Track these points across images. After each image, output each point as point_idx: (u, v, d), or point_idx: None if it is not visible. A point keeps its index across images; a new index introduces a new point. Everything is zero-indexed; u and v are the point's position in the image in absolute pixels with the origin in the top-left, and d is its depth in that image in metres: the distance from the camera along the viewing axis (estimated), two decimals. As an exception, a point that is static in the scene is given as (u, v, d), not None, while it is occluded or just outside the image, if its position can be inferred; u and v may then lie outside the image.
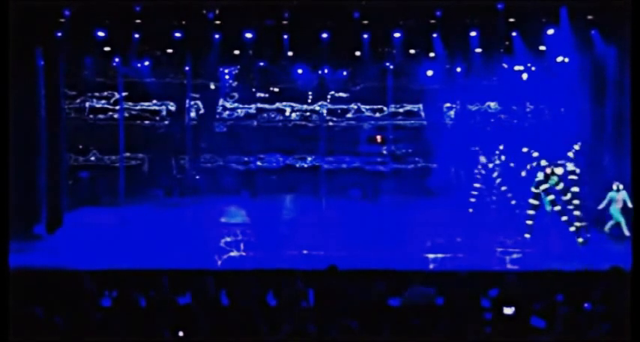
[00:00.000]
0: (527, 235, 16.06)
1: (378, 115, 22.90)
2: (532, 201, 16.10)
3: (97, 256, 14.00)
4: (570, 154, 16.22)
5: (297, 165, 23.12)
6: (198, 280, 9.35)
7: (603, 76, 16.60)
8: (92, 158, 22.23)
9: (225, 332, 7.50)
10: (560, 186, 15.87)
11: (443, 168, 20.98)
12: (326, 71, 21.44)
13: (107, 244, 15.39)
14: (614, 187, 16.35)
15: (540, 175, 15.96)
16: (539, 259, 14.34)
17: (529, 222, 16.14)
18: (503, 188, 18.43)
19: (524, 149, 16.78)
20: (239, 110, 22.89)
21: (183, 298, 9.19)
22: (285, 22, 17.09)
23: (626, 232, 15.98)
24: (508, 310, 7.94)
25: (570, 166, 16.16)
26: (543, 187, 15.89)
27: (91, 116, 22.08)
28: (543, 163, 15.99)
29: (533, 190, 16.07)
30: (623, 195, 16.25)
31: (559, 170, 15.95)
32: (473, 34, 17.61)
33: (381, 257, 14.08)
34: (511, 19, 16.65)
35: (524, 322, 7.90)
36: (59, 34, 16.77)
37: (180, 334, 7.67)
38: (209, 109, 22.77)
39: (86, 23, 16.68)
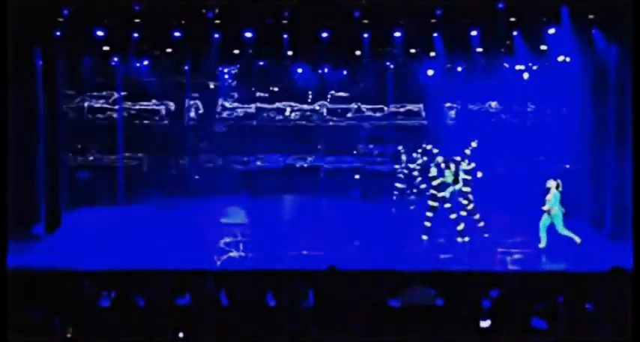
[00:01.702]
0: (424, 237, 15.67)
1: (378, 114, 22.86)
2: (431, 202, 15.68)
3: (96, 257, 13.95)
4: (467, 151, 15.91)
5: (297, 165, 23.07)
6: (197, 280, 9.31)
7: (605, 75, 16.54)
8: (91, 158, 22.17)
9: (225, 332, 7.48)
10: (459, 185, 15.57)
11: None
12: (326, 71, 21.41)
13: (106, 244, 15.33)
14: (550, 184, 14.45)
15: (434, 171, 15.76)
16: (539, 259, 14.29)
17: (428, 223, 15.68)
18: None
19: (429, 146, 16.61)
20: (239, 110, 22.85)
21: (182, 299, 9.15)
22: (285, 22, 17.03)
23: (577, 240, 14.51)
24: (484, 324, 7.86)
25: (464, 165, 15.62)
26: (437, 182, 15.60)
27: (90, 116, 22.03)
28: (439, 159, 15.76)
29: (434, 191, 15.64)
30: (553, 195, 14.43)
31: (452, 166, 15.60)
32: (474, 33, 17.57)
33: (381, 257, 14.05)
34: (512, 19, 16.61)
35: (524, 322, 7.87)
36: (58, 34, 16.71)
37: (180, 335, 7.64)
38: (209, 108, 22.74)
39: (85, 23, 16.61)
